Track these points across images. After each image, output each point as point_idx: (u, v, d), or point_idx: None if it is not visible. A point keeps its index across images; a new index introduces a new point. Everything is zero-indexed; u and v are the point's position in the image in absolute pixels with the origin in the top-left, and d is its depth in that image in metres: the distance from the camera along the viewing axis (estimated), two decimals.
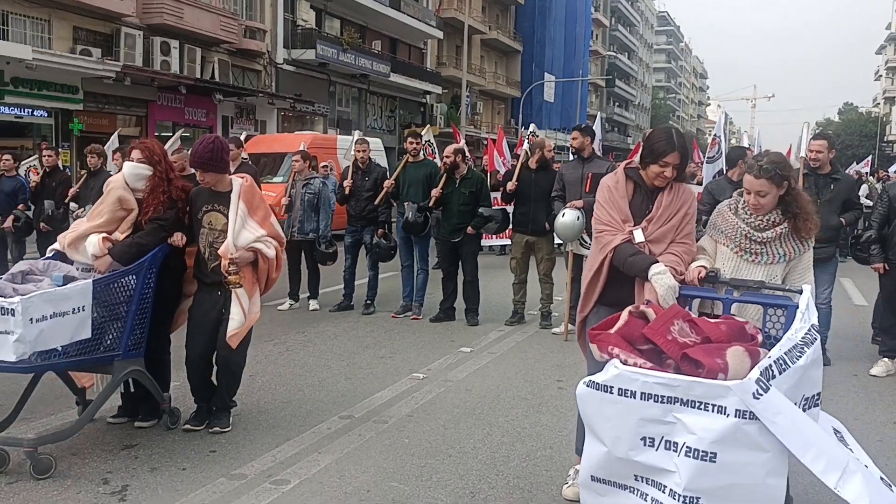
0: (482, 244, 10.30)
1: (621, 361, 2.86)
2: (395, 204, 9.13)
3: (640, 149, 3.95)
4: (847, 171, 13.65)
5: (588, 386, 2.87)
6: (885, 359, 6.87)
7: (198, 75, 24.88)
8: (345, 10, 33.24)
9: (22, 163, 11.86)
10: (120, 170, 8.69)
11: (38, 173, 11.43)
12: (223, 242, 4.67)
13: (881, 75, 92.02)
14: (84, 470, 4.20)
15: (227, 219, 4.73)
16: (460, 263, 8.61)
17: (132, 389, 4.93)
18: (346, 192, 9.02)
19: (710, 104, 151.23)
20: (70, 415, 4.94)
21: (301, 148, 9.78)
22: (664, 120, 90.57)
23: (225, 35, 25.94)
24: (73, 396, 4.98)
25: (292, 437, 4.78)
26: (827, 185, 6.95)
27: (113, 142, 11.34)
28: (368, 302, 9.13)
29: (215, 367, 4.93)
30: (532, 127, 10.53)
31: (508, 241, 11.64)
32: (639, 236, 3.69)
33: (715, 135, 17.79)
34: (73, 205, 9.71)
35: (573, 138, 7.80)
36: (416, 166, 8.81)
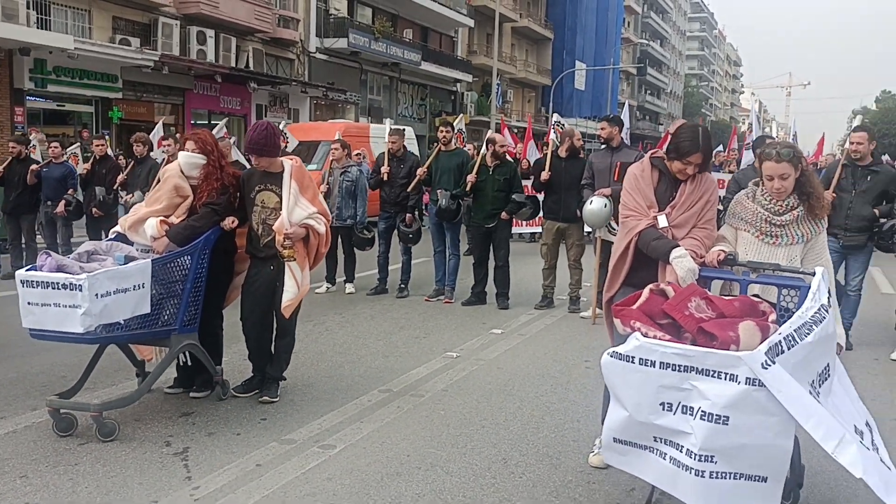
0: (513, 232, 10.58)
1: (642, 334, 3.13)
2: (427, 191, 9.42)
3: (667, 141, 4.20)
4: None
5: (612, 356, 3.14)
6: None
7: (233, 64, 25.35)
8: None
9: (66, 150, 12.30)
10: (167, 157, 9.16)
11: (77, 161, 11.85)
12: (276, 219, 5.01)
13: None
14: (147, 434, 4.58)
15: (279, 197, 5.08)
16: (491, 249, 8.89)
17: (188, 362, 5.31)
18: (384, 178, 9.30)
19: (743, 92, 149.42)
20: (130, 385, 5.31)
21: (337, 137, 10.08)
22: (696, 108, 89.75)
23: (259, 24, 26.37)
24: (132, 369, 5.38)
25: (336, 408, 5.13)
26: (864, 176, 7.11)
27: (158, 130, 11.76)
28: (402, 286, 9.46)
29: (273, 336, 5.33)
30: (556, 117, 10.74)
31: (538, 229, 11.89)
32: (662, 221, 3.96)
33: (750, 123, 17.95)
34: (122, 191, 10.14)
35: (601, 129, 8.02)
36: (448, 155, 9.10)
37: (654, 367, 3.04)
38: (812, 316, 3.20)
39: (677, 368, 3.01)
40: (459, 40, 42.17)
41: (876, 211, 7.05)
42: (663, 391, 3.05)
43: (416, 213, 9.32)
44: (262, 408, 5.10)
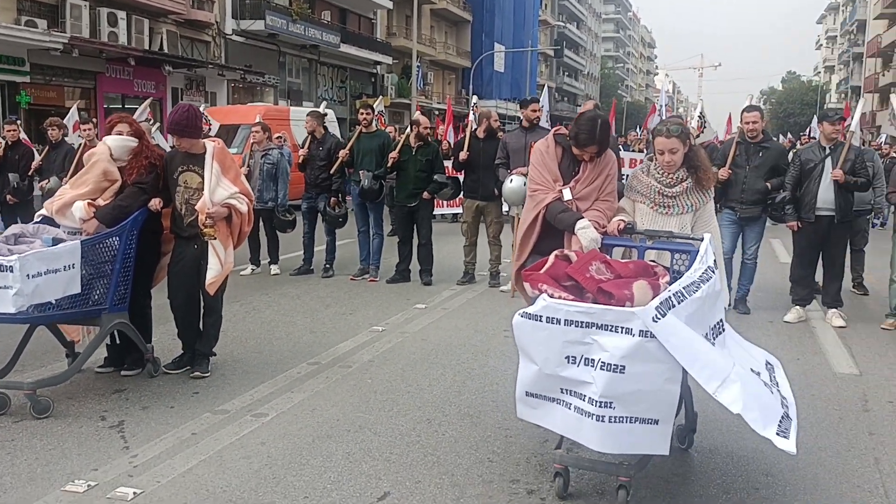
0: (434, 212, 10.88)
1: (549, 295, 3.47)
2: (349, 173, 9.62)
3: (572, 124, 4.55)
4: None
5: (522, 316, 3.47)
6: (797, 307, 7.66)
7: (146, 47, 24.77)
8: None
9: None
10: (85, 141, 9.09)
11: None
12: (199, 199, 5.16)
13: (821, 45, 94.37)
14: (81, 410, 4.71)
15: (202, 178, 5.24)
16: (415, 228, 9.17)
17: (118, 341, 5.43)
18: (300, 160, 9.50)
19: (658, 73, 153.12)
20: (59, 367, 5.38)
21: (258, 119, 10.16)
22: (613, 89, 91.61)
23: (172, 5, 25.82)
24: (60, 351, 5.46)
25: (266, 380, 5.34)
26: (757, 152, 7.67)
27: (72, 114, 11.53)
28: (327, 266, 9.65)
29: (201, 313, 5.49)
30: (475, 98, 11.10)
31: (459, 210, 12.24)
32: (567, 194, 4.32)
33: (663, 104, 18.68)
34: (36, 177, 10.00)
35: (535, 110, 8.42)
36: (370, 137, 9.32)
37: (560, 324, 3.38)
38: (700, 276, 3.59)
39: (580, 325, 3.36)
40: (378, 22, 42.08)
41: (768, 184, 7.61)
42: (568, 346, 3.39)
43: (340, 196, 9.51)
44: (194, 383, 5.27)
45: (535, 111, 8.40)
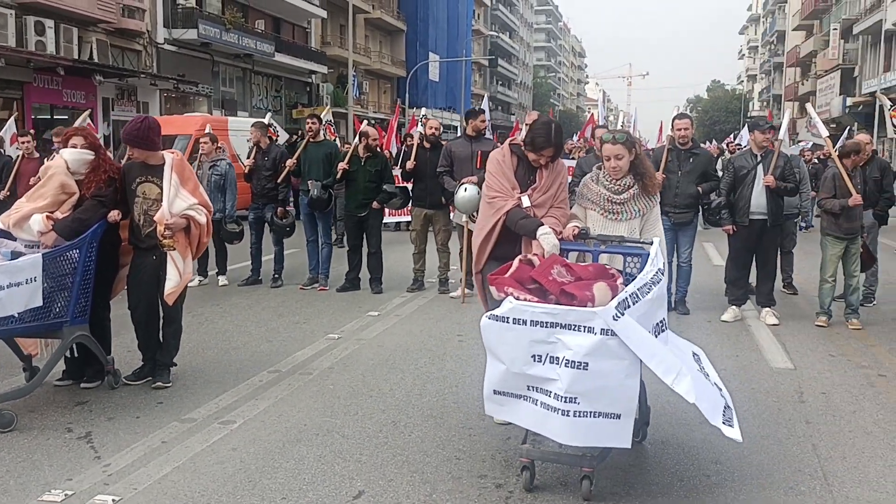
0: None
1: (515, 298, 3.67)
2: (294, 182, 9.70)
3: (525, 131, 4.77)
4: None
5: (490, 318, 3.66)
6: (733, 307, 8.04)
7: (75, 56, 24.22)
8: None
9: None
10: (24, 153, 8.97)
11: None
12: (157, 210, 5.21)
13: (744, 54, 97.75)
14: (46, 422, 4.71)
15: (160, 189, 5.28)
16: (364, 237, 9.29)
17: (76, 354, 5.41)
18: (246, 171, 9.56)
19: (588, 82, 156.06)
20: (15, 381, 5.35)
21: (208, 130, 10.15)
22: (545, 98, 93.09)
23: (102, 14, 25.29)
24: (14, 367, 5.42)
25: (229, 389, 5.41)
26: (687, 158, 8.06)
27: (10, 126, 11.30)
28: (276, 276, 9.68)
29: (161, 324, 5.53)
30: (424, 110, 11.36)
31: (406, 218, 12.42)
32: (526, 202, 4.53)
33: (601, 114, 19.27)
34: None
35: (484, 121, 8.72)
36: (317, 146, 9.43)
37: (526, 324, 3.59)
38: (651, 278, 3.84)
39: (545, 325, 3.57)
40: (313, 31, 41.93)
41: (699, 189, 8.00)
42: (534, 345, 3.60)
43: (285, 205, 9.57)
44: (157, 393, 5.30)
45: (483, 121, 8.66)
